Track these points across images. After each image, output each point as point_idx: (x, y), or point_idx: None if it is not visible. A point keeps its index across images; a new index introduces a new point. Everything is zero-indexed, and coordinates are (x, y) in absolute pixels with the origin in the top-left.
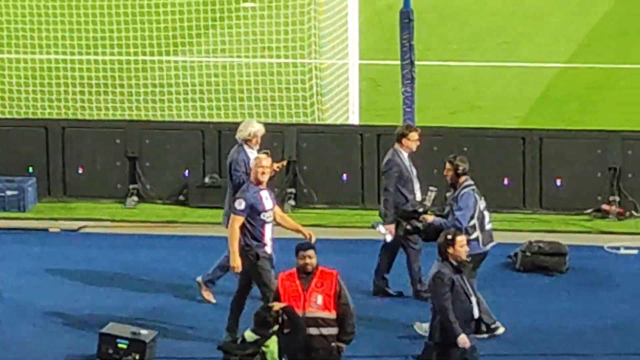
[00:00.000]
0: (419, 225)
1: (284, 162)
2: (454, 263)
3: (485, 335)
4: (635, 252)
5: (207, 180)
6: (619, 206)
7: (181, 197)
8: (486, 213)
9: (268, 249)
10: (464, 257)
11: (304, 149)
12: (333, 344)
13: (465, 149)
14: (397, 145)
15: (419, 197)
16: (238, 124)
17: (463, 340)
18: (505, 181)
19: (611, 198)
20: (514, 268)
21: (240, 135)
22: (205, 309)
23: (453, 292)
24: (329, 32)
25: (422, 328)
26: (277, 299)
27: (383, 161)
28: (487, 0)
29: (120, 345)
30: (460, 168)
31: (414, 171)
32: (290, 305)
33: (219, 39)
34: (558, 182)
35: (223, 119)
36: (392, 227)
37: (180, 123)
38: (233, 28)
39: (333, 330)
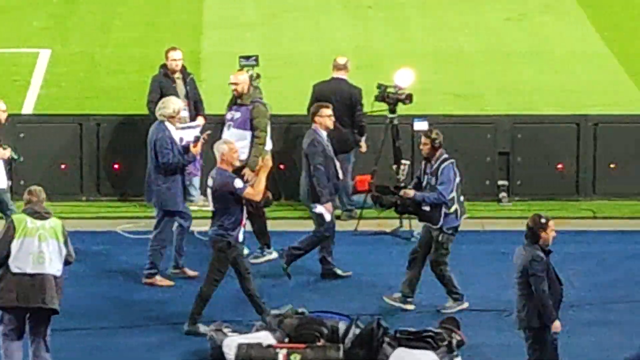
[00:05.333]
0: (396, 199)
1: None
2: (543, 247)
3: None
4: None
5: None
6: None
7: None
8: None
9: (240, 235)
10: (550, 242)
11: None
12: None
13: None
14: (314, 125)
15: (340, 175)
16: None
17: (558, 325)
18: None
19: None
20: None
21: (162, 112)
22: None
23: (548, 275)
24: None
25: (392, 298)
26: None
27: (304, 143)
28: None
29: None
30: (437, 141)
31: (331, 149)
32: None
33: None
34: None
35: None
36: (330, 205)
37: None
38: None
39: None
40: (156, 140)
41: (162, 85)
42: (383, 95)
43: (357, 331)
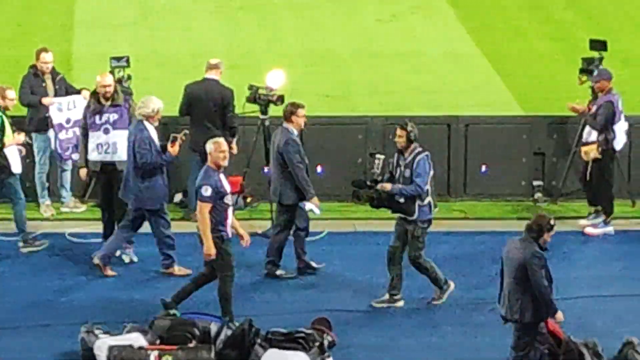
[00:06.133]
0: (372, 193)
1: (186, 132)
2: (542, 246)
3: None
4: None
5: None
6: None
7: None
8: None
9: (229, 232)
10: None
11: None
12: None
13: None
14: (286, 124)
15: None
16: None
17: (560, 315)
18: None
19: None
20: None
21: (141, 111)
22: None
23: (545, 273)
24: None
25: (381, 301)
26: None
27: (278, 142)
28: None
29: None
30: (412, 133)
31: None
32: None
33: None
34: None
35: None
36: (316, 199)
37: None
38: None
39: None
40: (135, 140)
41: (32, 85)
42: (254, 96)
43: (229, 332)
